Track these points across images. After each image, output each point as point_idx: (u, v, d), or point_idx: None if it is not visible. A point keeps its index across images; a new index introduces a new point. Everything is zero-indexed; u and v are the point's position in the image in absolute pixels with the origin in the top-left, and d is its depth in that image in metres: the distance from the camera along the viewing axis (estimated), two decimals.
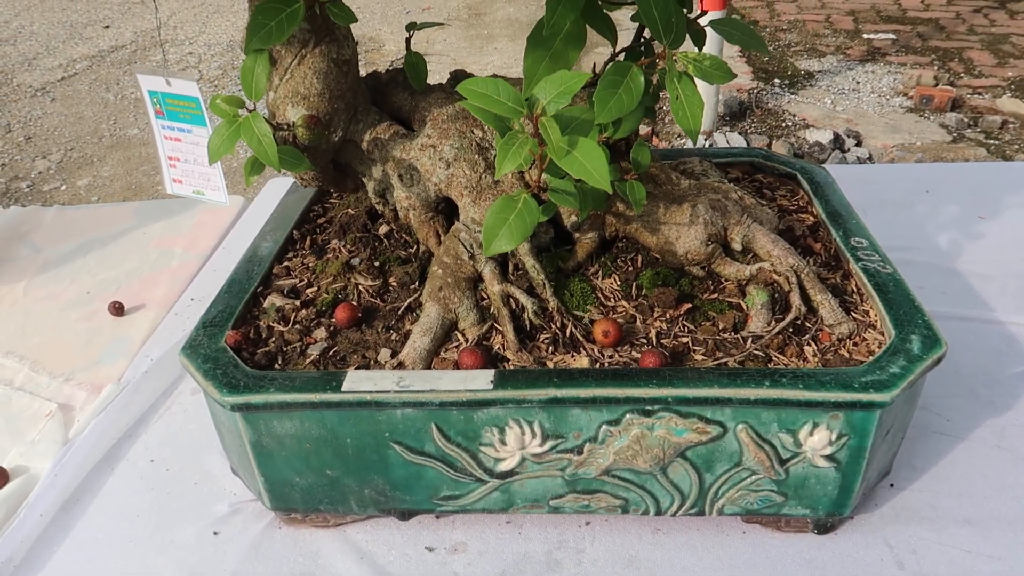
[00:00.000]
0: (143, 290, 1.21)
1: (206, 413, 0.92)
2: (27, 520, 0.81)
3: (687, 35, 0.74)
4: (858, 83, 3.76)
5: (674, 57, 0.68)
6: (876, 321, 0.75)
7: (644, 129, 3.64)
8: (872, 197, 1.30)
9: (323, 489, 0.75)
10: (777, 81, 3.83)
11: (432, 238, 0.82)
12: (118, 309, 1.15)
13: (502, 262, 0.79)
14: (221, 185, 0.97)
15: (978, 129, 3.39)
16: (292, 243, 0.93)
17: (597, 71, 0.84)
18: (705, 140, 3.40)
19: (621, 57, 0.78)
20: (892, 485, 0.80)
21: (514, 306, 0.76)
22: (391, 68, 0.85)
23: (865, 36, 4.31)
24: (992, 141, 3.30)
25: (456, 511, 0.76)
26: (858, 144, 3.25)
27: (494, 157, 0.80)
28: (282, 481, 0.75)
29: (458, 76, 0.88)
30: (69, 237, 1.38)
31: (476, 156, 0.78)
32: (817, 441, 0.67)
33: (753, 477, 0.71)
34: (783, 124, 3.51)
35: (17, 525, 0.81)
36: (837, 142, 3.19)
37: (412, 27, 0.81)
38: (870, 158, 3.12)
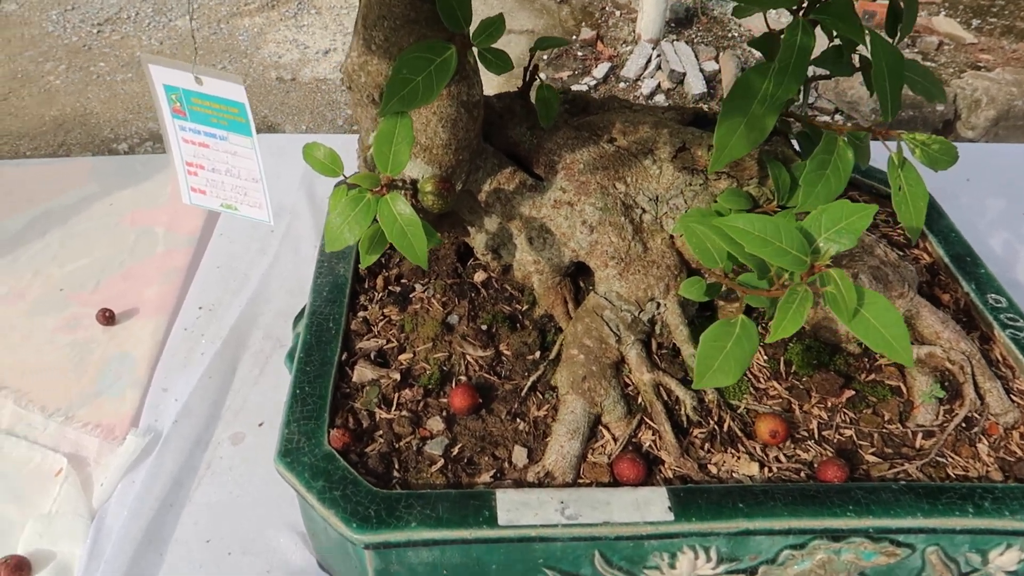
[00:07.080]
0: (130, 288, 1.03)
1: (254, 472, 0.81)
2: None
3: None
4: None
5: (900, 140, 0.57)
6: None
7: (589, 33, 3.45)
8: None
9: None
10: None
11: (559, 305, 0.70)
12: (108, 318, 0.98)
13: (647, 342, 0.68)
14: (264, 201, 0.79)
15: (916, 50, 3.41)
16: (359, 281, 0.79)
17: None
18: (652, 48, 3.27)
19: None
20: None
21: (666, 398, 0.66)
22: (503, 95, 0.70)
23: None
24: (927, 63, 3.32)
25: None
26: None
27: (640, 217, 0.68)
28: None
29: (576, 101, 0.74)
30: (17, 206, 1.16)
31: (622, 219, 0.66)
32: (1006, 560, 0.63)
33: None
34: (728, 35, 3.41)
35: None
36: None
37: (537, 46, 0.66)
38: None
